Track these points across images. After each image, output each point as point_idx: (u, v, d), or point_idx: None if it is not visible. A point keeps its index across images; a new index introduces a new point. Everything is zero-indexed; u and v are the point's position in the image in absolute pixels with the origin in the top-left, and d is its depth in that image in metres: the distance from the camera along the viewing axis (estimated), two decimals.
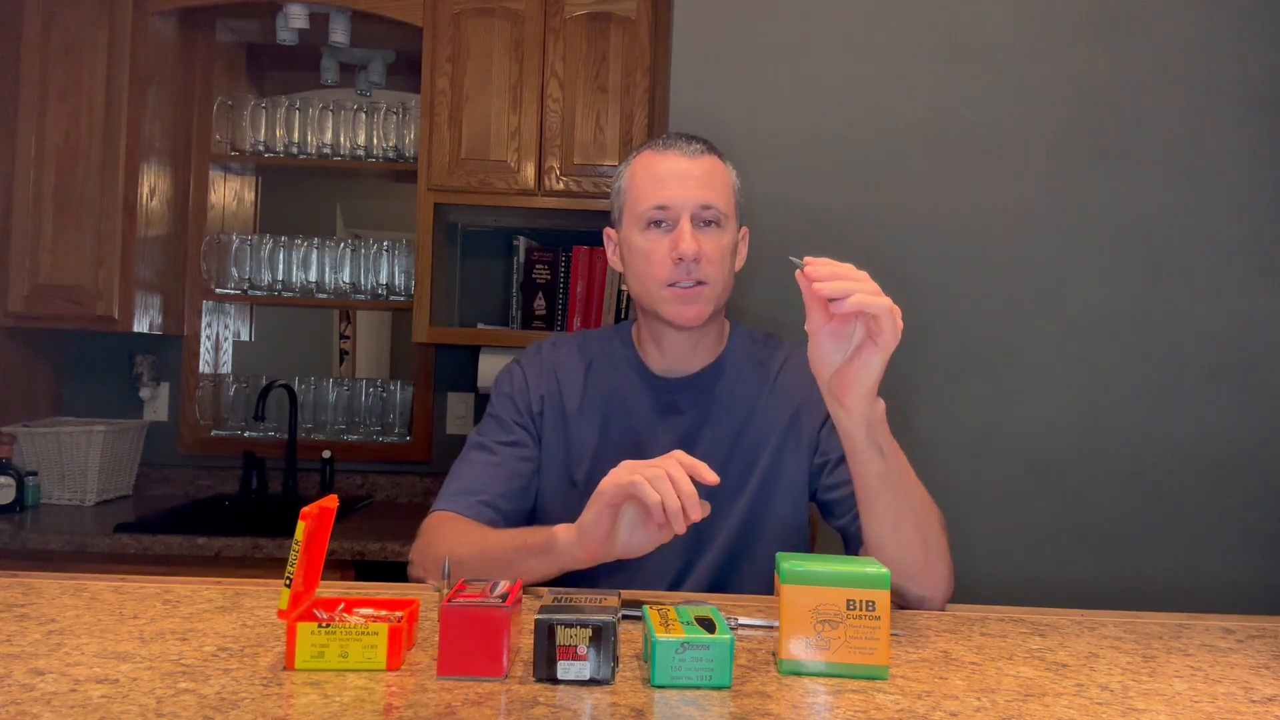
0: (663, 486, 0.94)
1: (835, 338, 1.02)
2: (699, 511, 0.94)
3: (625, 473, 0.97)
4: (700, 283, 1.22)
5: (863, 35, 1.86)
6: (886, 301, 0.97)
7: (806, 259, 1.00)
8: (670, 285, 1.22)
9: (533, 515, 1.32)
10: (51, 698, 0.73)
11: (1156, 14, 1.85)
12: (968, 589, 1.79)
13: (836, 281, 0.97)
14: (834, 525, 1.28)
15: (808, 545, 1.33)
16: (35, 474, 2.45)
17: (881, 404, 1.05)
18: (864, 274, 1.00)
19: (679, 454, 0.97)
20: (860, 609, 0.85)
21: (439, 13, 2.46)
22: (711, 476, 0.96)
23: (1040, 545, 1.84)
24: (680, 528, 0.95)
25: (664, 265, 1.21)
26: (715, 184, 1.24)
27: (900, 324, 0.99)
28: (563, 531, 1.06)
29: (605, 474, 1.25)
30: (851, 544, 1.23)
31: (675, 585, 1.25)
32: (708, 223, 1.23)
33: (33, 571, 1.15)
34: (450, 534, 1.20)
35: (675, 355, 1.30)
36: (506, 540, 1.13)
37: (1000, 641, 1.00)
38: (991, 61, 1.85)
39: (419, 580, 1.21)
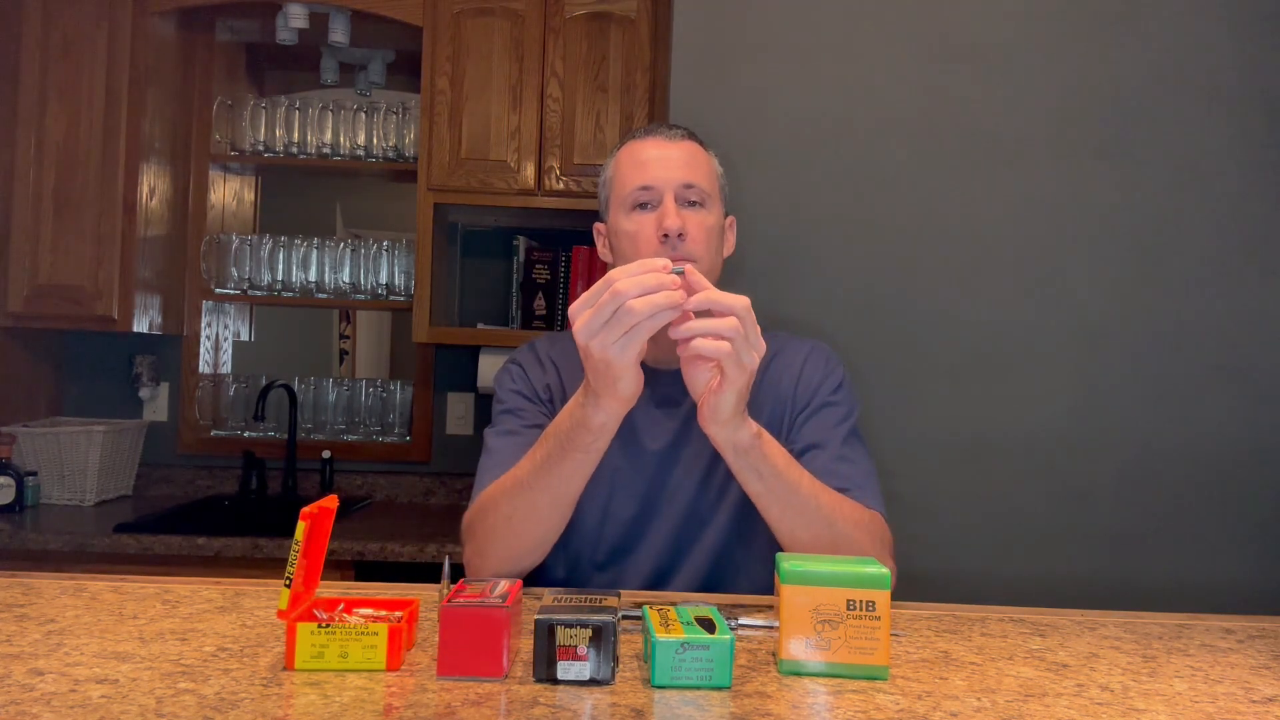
0: (648, 307, 0.94)
1: (693, 364, 1.03)
2: (670, 292, 0.95)
3: (607, 341, 0.95)
4: (687, 260, 1.22)
5: (862, 35, 1.86)
6: (726, 347, 0.96)
7: (687, 267, 0.99)
8: None
9: None
10: (51, 698, 0.73)
11: (1156, 14, 1.85)
12: (968, 589, 1.79)
13: (688, 324, 0.98)
14: None
15: None
16: (35, 474, 2.45)
17: (751, 428, 1.06)
18: (736, 301, 0.98)
19: (626, 282, 0.95)
20: (860, 609, 0.85)
21: (439, 12, 2.46)
22: (662, 262, 0.97)
23: (1040, 545, 1.84)
24: (679, 312, 0.96)
25: (650, 244, 1.22)
26: (697, 166, 1.26)
27: (750, 359, 0.98)
28: (594, 412, 1.03)
29: (603, 464, 1.24)
30: None
31: (670, 572, 1.25)
32: (692, 203, 1.24)
33: (32, 571, 1.15)
34: (489, 499, 1.18)
35: (668, 345, 1.30)
36: (534, 458, 1.12)
37: (1000, 641, 1.00)
38: (991, 61, 1.85)
39: (490, 574, 1.16)
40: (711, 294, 0.98)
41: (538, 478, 1.11)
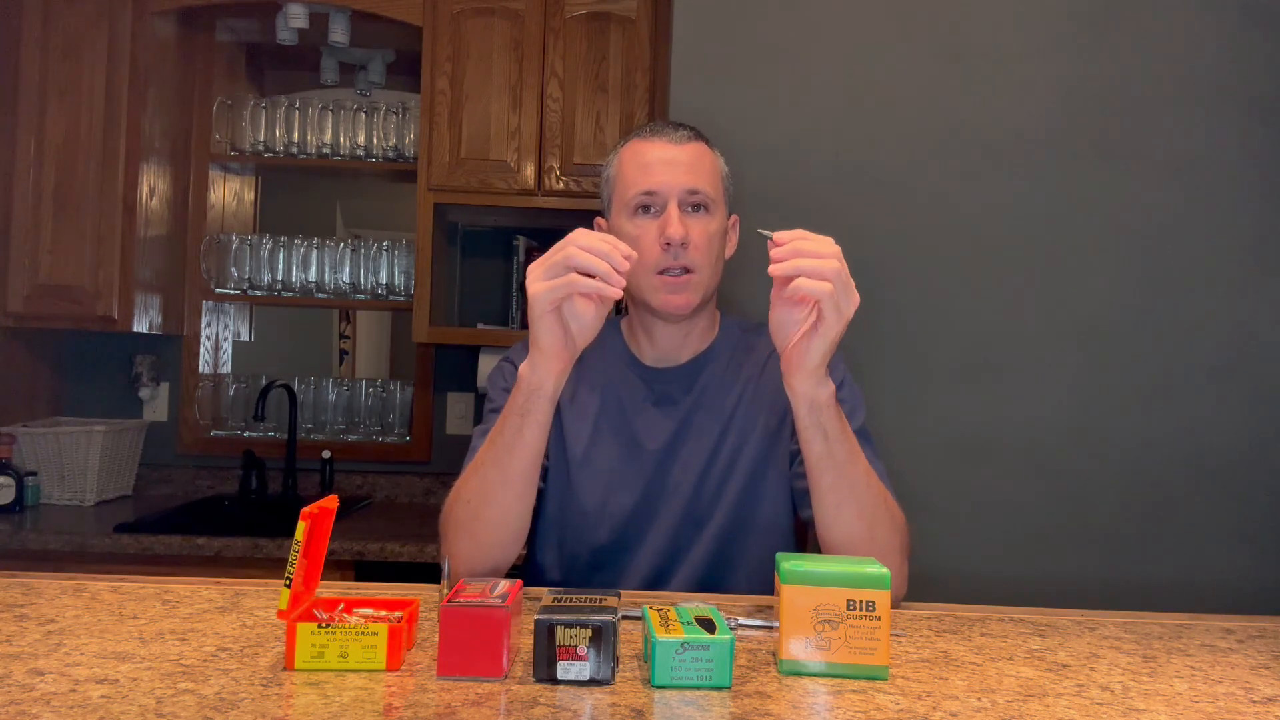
0: (585, 259, 0.99)
1: (788, 307, 1.05)
2: (624, 261, 1.00)
3: (541, 276, 1.02)
4: (688, 270, 1.22)
5: (862, 35, 1.86)
6: (827, 287, 0.98)
7: (777, 233, 1.02)
8: (659, 273, 1.23)
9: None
10: (51, 698, 0.73)
11: (1156, 14, 1.85)
12: (968, 589, 1.79)
13: (790, 261, 1.00)
14: (802, 516, 1.27)
15: (794, 532, 1.32)
16: (35, 474, 2.45)
17: (830, 387, 1.07)
18: (830, 248, 1.01)
19: (575, 236, 1.01)
20: (860, 609, 0.85)
21: (439, 12, 2.46)
22: (625, 248, 1.01)
23: (1040, 545, 1.84)
24: (620, 281, 1.00)
25: (652, 251, 1.22)
26: (702, 169, 1.25)
27: (848, 306, 1.01)
28: (524, 369, 1.08)
29: (600, 462, 1.25)
30: (814, 540, 1.23)
31: (668, 572, 1.25)
32: (696, 208, 1.24)
33: (32, 571, 1.14)
34: (455, 489, 1.18)
35: (666, 346, 1.30)
36: (489, 435, 1.14)
37: (1000, 641, 1.00)
38: (991, 61, 1.85)
39: (461, 574, 1.15)
40: (800, 263, 0.99)
41: (488, 452, 1.12)
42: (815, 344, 1.02)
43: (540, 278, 1.02)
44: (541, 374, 1.06)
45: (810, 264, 0.99)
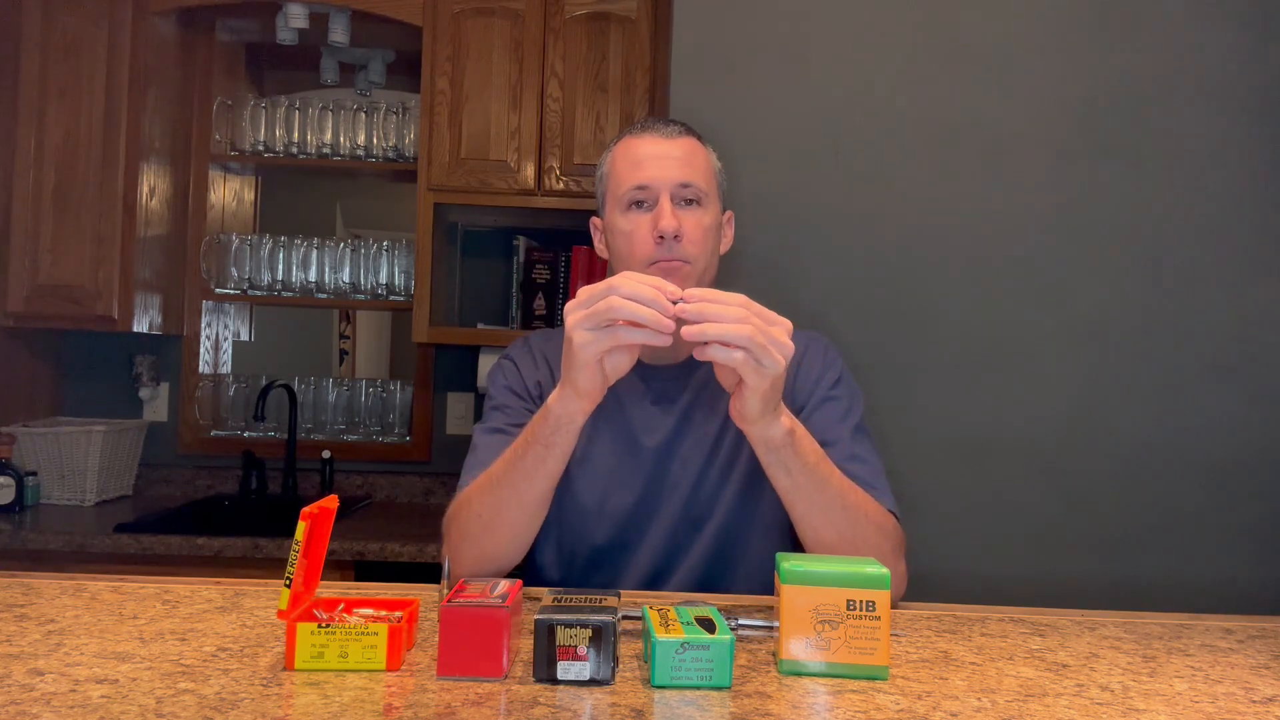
0: (632, 309, 0.96)
1: (722, 367, 1.03)
2: (671, 306, 0.97)
3: (583, 323, 0.99)
4: (683, 261, 1.22)
5: (863, 35, 1.86)
6: (739, 356, 0.97)
7: (686, 292, 0.99)
8: (652, 264, 1.22)
9: None
10: (51, 698, 0.73)
11: (1157, 14, 1.85)
12: (968, 589, 1.79)
13: (699, 327, 0.97)
14: None
15: (793, 531, 1.32)
16: (35, 474, 2.45)
17: (784, 424, 1.06)
18: (739, 310, 0.97)
19: (619, 284, 0.97)
20: (860, 609, 0.85)
21: (439, 12, 2.46)
22: (671, 288, 0.98)
23: (1040, 545, 1.84)
24: (670, 328, 0.97)
25: (645, 244, 1.21)
26: (695, 163, 1.25)
27: (772, 364, 0.98)
28: (554, 402, 1.07)
29: (599, 461, 1.25)
30: None
31: (668, 571, 1.25)
32: (688, 201, 1.23)
33: (32, 571, 1.15)
34: (465, 497, 1.19)
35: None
36: (505, 454, 1.13)
37: (1000, 641, 1.00)
38: (991, 61, 1.85)
39: (463, 575, 1.15)
40: (707, 328, 0.97)
41: (505, 473, 1.12)
42: (749, 402, 1.02)
43: (581, 325, 0.99)
44: (573, 410, 1.06)
45: (720, 330, 0.96)
